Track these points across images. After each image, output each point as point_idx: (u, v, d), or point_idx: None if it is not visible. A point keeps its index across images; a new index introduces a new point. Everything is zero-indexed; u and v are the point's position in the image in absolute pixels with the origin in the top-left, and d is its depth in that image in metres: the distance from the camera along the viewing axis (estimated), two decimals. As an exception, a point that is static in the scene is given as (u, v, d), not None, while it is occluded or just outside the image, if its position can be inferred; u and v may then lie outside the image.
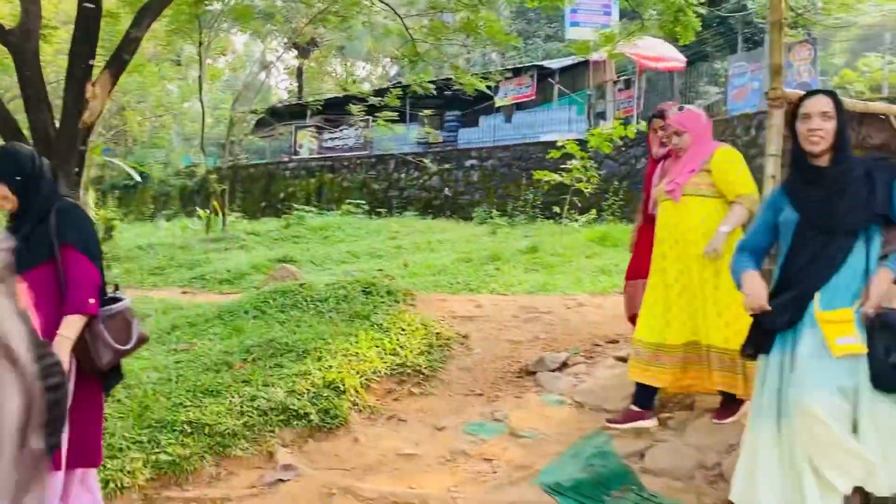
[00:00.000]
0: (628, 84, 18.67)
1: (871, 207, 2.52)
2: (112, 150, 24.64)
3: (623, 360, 4.93)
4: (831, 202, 2.56)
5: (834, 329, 2.48)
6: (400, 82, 19.18)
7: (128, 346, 2.81)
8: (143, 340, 2.91)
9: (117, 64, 7.72)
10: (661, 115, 4.27)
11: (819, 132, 2.54)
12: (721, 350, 3.60)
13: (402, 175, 19.82)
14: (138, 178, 19.27)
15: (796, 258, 2.62)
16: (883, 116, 4.62)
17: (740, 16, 19.56)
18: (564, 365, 5.13)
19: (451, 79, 13.49)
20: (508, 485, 3.48)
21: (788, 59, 16.42)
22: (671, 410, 4.07)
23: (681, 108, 3.82)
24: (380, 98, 15.68)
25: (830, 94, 2.63)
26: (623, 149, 15.76)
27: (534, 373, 5.09)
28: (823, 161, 2.59)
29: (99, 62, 8.02)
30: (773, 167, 5.94)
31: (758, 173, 4.46)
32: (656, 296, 3.80)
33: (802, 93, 6.44)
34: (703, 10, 11.10)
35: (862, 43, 25.27)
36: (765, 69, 16.18)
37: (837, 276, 2.55)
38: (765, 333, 2.66)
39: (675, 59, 17.16)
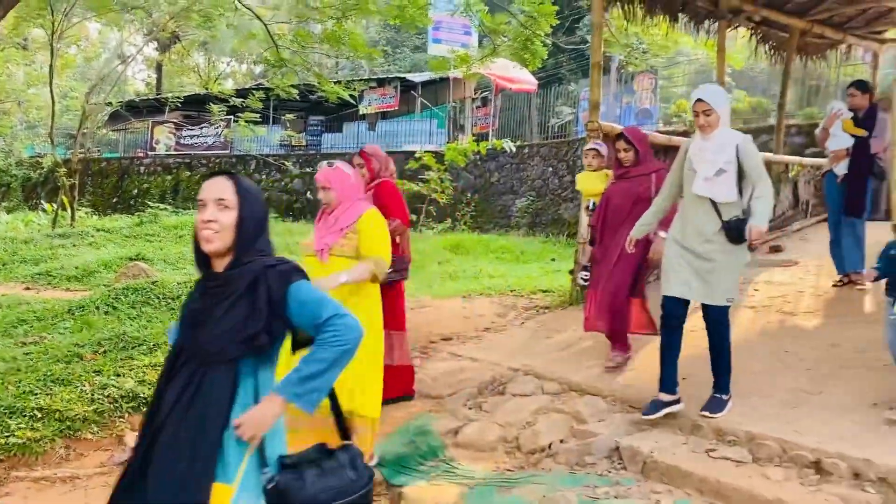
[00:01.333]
0: (485, 101, 19.67)
1: (250, 328, 1.93)
2: (-58, 135, 22.90)
3: (457, 354, 5.61)
4: (204, 321, 1.98)
5: None
6: (263, 84, 19.19)
7: None
8: None
9: (-36, 53, 7.53)
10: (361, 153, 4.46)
11: (213, 225, 1.99)
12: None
13: (263, 176, 19.84)
14: (-26, 167, 18.09)
15: (165, 393, 1.95)
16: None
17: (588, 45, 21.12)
18: (403, 359, 5.68)
19: (314, 84, 13.80)
20: (340, 460, 3.96)
21: (632, 86, 17.95)
22: (486, 396, 4.72)
23: (330, 164, 3.67)
24: (242, 99, 15.69)
25: (232, 176, 2.04)
26: (478, 163, 16.70)
27: (375, 366, 5.61)
28: (223, 264, 2.05)
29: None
30: (590, 189, 6.81)
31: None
32: None
33: (614, 126, 7.36)
34: (549, 41, 12.13)
35: (700, 75, 27.94)
36: (609, 96, 17.63)
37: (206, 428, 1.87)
38: None
39: (527, 81, 18.31)
